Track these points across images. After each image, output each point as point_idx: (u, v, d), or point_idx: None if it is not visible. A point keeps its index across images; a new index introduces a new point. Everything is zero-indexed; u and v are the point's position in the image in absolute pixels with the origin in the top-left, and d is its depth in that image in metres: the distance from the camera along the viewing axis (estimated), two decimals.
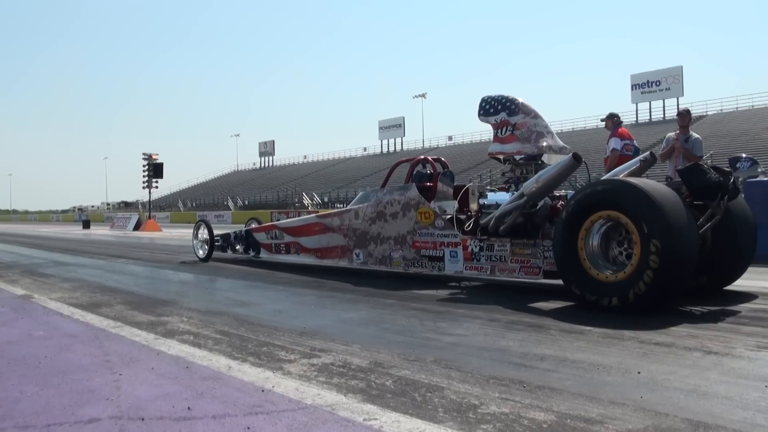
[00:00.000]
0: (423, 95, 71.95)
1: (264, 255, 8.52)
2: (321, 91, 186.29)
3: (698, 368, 2.78)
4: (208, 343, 3.51)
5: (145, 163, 27.19)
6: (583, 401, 2.35)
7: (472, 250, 5.66)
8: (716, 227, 4.52)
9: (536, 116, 5.77)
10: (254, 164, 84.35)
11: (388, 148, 69.20)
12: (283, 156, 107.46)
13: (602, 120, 8.42)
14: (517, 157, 5.77)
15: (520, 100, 5.81)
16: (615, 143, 7.95)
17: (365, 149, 72.12)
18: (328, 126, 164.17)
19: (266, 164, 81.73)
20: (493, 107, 5.90)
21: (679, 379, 2.60)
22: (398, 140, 69.16)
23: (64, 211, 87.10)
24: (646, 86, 51.43)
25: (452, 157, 50.93)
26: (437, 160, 7.13)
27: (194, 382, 2.69)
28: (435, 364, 2.94)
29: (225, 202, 55.82)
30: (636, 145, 8.11)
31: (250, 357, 3.15)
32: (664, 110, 50.80)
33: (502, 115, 5.81)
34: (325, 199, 45.10)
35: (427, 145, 65.49)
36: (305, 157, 78.42)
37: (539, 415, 2.21)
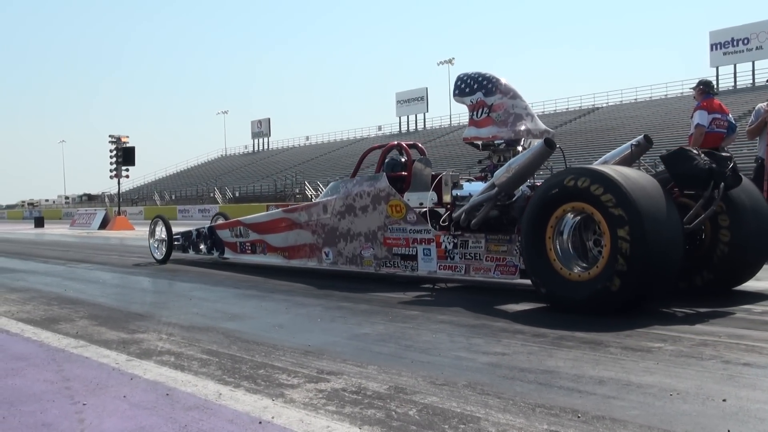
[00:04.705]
0: (450, 61, 71.53)
1: (229, 255, 9.03)
2: (325, 58, 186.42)
3: None
4: (192, 365, 3.55)
5: (113, 147, 27.38)
6: None
7: (445, 247, 6.01)
8: (716, 219, 4.86)
9: (515, 96, 6.15)
10: (246, 147, 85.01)
11: (408, 126, 69.16)
12: (281, 137, 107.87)
13: (692, 89, 8.39)
14: (497, 142, 6.17)
15: (503, 80, 6.20)
16: (700, 117, 7.78)
17: (380, 128, 72.13)
18: (334, 101, 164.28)
19: (260, 147, 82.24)
20: (469, 86, 6.32)
21: None
22: (420, 117, 69.10)
23: (10, 207, 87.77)
24: (730, 45, 50.48)
25: None
26: (413, 145, 7.55)
27: (176, 413, 2.72)
28: (468, 389, 2.95)
29: (211, 194, 56.19)
30: (732, 120, 7.94)
31: (244, 382, 3.18)
32: (753, 75, 49.76)
33: (478, 95, 6.22)
34: None
35: (455, 122, 65.16)
36: (307, 138, 78.82)
37: None
